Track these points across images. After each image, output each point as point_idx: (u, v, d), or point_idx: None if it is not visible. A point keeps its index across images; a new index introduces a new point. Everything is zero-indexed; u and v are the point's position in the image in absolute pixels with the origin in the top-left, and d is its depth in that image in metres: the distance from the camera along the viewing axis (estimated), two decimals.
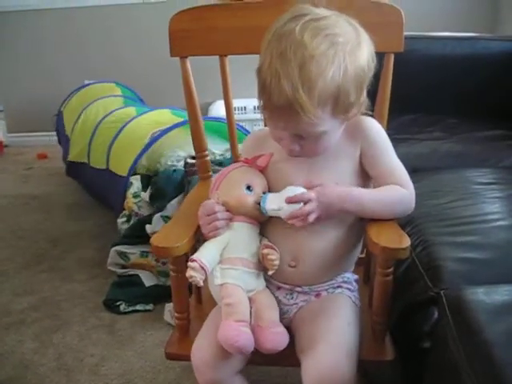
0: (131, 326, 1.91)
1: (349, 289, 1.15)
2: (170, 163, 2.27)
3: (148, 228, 2.10)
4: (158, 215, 2.09)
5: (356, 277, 1.21)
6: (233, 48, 1.29)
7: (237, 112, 3.56)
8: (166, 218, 2.04)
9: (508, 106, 2.11)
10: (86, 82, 3.78)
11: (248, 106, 3.58)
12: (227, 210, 1.11)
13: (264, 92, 0.98)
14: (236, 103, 2.81)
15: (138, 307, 2.00)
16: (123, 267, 2.18)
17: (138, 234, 2.14)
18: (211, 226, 1.09)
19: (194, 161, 2.05)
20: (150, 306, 2.01)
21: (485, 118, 2.05)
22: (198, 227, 1.13)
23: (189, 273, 1.04)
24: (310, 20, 0.96)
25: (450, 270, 1.12)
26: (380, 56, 1.08)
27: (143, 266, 2.14)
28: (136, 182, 2.32)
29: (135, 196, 2.25)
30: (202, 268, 1.04)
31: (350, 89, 0.97)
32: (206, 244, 1.10)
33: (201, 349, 1.07)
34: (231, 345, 1.01)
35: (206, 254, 1.07)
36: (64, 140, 3.33)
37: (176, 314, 1.17)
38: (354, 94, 0.99)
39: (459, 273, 1.10)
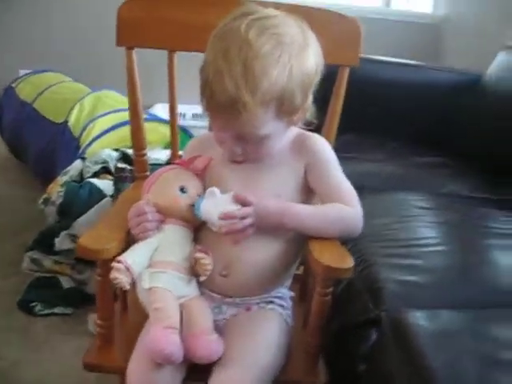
0: (48, 330, 1.81)
1: (282, 305, 1.11)
2: (88, 164, 2.14)
3: (56, 242, 1.98)
4: (63, 233, 1.97)
5: (291, 293, 1.17)
6: (183, 44, 1.24)
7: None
8: (73, 237, 1.92)
9: (447, 134, 2.18)
10: (21, 71, 3.64)
11: (187, 113, 3.49)
12: (159, 212, 1.06)
13: (206, 90, 0.96)
14: None
15: (56, 310, 1.89)
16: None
17: (49, 243, 2.01)
18: (141, 227, 1.04)
19: (124, 165, 1.94)
20: (68, 310, 1.90)
21: (425, 144, 2.10)
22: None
23: (113, 274, 0.98)
24: (256, 18, 0.95)
25: (391, 291, 1.11)
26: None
27: (59, 273, 2.02)
28: (73, 171, 2.16)
29: (63, 185, 2.10)
30: (128, 269, 0.99)
31: (296, 91, 0.96)
32: (134, 246, 1.05)
33: (135, 364, 1.00)
34: (159, 352, 0.95)
35: (133, 256, 1.02)
36: (16, 104, 3.11)
37: (99, 322, 1.09)
38: (299, 97, 0.98)
39: (399, 295, 1.10)
